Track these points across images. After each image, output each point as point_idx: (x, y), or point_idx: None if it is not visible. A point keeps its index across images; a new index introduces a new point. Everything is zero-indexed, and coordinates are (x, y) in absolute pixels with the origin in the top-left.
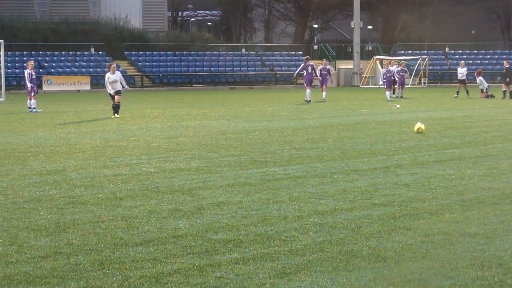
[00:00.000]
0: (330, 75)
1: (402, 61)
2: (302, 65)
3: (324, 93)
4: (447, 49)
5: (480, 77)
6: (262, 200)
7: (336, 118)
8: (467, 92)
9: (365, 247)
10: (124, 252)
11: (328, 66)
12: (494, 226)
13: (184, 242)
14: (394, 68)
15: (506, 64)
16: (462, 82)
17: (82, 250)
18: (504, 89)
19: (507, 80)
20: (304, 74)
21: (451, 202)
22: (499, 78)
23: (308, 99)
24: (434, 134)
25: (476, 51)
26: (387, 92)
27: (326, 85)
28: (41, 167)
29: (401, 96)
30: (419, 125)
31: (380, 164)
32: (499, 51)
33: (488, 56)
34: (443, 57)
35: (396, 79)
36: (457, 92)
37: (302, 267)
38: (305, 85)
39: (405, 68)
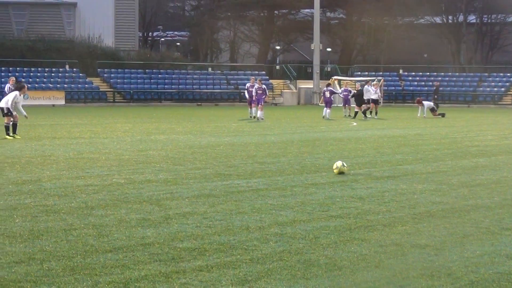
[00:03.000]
0: (266, 95)
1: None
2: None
3: (260, 112)
4: (401, 71)
5: (424, 102)
6: (226, 211)
7: (297, 135)
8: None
9: (322, 257)
10: (94, 258)
11: (263, 86)
12: (443, 238)
13: (151, 250)
14: (367, 87)
15: (358, 86)
16: (374, 102)
17: (54, 256)
18: (356, 110)
19: (360, 101)
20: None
21: (403, 215)
22: (350, 97)
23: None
24: (388, 150)
25: (428, 73)
26: (327, 110)
27: (262, 104)
28: (17, 177)
29: (349, 115)
30: (338, 165)
31: (337, 178)
32: (450, 73)
33: (440, 78)
34: (397, 78)
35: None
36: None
37: (263, 275)
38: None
39: (348, 88)
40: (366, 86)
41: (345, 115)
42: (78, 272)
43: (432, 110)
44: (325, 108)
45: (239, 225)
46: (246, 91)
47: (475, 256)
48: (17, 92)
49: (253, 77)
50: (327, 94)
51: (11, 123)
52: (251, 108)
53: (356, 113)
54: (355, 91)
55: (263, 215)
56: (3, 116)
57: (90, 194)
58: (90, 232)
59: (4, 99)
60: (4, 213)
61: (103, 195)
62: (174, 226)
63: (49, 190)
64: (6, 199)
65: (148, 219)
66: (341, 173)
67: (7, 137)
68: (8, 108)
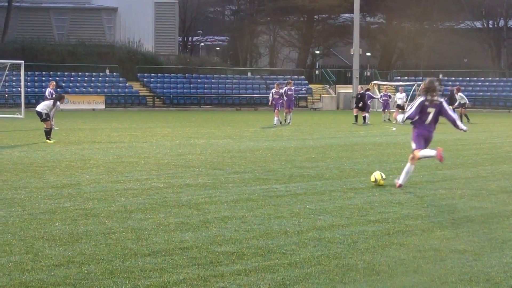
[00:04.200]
0: (283, 100)
1: (385, 86)
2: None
3: (276, 119)
4: (441, 76)
5: (460, 93)
6: (264, 215)
7: (335, 139)
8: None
9: (361, 261)
10: (133, 262)
11: (281, 90)
12: (482, 243)
13: (190, 254)
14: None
15: (360, 90)
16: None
17: (93, 259)
18: (355, 114)
19: (360, 105)
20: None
21: (442, 220)
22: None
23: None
24: None
25: (468, 78)
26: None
27: (278, 109)
28: (57, 180)
29: (388, 119)
30: (377, 177)
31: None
32: (490, 78)
33: (480, 83)
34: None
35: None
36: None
37: (301, 279)
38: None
39: (388, 93)
40: (397, 93)
41: (384, 120)
42: (117, 276)
43: (464, 105)
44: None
45: (277, 229)
46: (284, 94)
47: None
48: (58, 103)
49: (289, 81)
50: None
51: (50, 128)
52: (286, 113)
53: (356, 117)
54: (359, 95)
55: (301, 219)
56: (41, 121)
57: (129, 198)
58: (129, 235)
59: (43, 104)
60: (44, 217)
61: (142, 199)
62: (212, 230)
63: (89, 194)
64: (46, 203)
65: (186, 223)
66: (379, 185)
67: (48, 141)
68: (47, 114)
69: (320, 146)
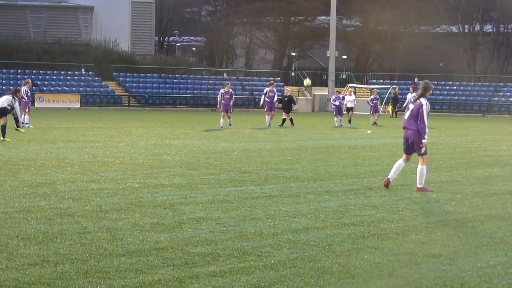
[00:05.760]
0: (267, 100)
1: (375, 89)
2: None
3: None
4: (416, 79)
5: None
6: (239, 217)
7: (311, 142)
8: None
9: (336, 264)
10: (108, 262)
11: (231, 90)
12: (457, 247)
13: (165, 254)
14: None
15: (286, 93)
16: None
17: (68, 259)
18: (284, 117)
19: (287, 108)
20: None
21: (417, 224)
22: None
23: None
24: None
25: (443, 82)
26: (335, 118)
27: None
28: (32, 179)
29: (375, 123)
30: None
31: (351, 186)
32: (465, 82)
33: (455, 87)
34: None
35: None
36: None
37: (276, 282)
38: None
39: (377, 96)
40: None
41: (374, 123)
42: (92, 276)
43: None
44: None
45: (253, 231)
46: (265, 96)
47: (488, 266)
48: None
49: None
50: (337, 103)
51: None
52: (267, 115)
53: (284, 120)
54: (285, 97)
55: (277, 221)
56: (1, 117)
57: (105, 198)
58: (104, 235)
59: (4, 100)
60: (19, 215)
61: (117, 199)
62: (187, 231)
63: (64, 193)
64: (21, 202)
65: (162, 224)
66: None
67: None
68: (10, 106)
69: (295, 148)
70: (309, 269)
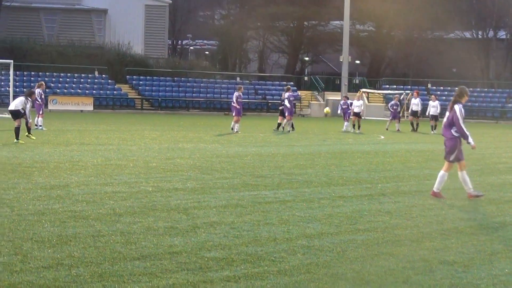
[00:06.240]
0: (288, 105)
1: (396, 95)
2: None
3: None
4: (429, 85)
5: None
6: (253, 222)
7: (324, 147)
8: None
9: (350, 270)
10: (122, 265)
11: (285, 95)
12: (471, 255)
13: (179, 259)
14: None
15: (283, 96)
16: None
17: (82, 262)
18: (279, 122)
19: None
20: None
21: (431, 231)
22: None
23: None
24: (415, 165)
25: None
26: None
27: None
28: (46, 182)
29: (398, 130)
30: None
31: (364, 192)
32: (478, 89)
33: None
34: (425, 92)
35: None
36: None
37: (290, 287)
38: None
39: (398, 102)
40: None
41: (387, 129)
42: (106, 279)
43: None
44: (346, 123)
45: (267, 236)
46: (287, 101)
47: (503, 274)
48: (29, 98)
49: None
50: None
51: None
52: (287, 120)
53: (279, 124)
54: (282, 101)
55: (291, 226)
56: (15, 119)
57: (118, 201)
58: (118, 239)
59: (18, 102)
60: (33, 218)
61: (131, 202)
62: (201, 235)
63: (78, 196)
64: (34, 204)
65: (175, 228)
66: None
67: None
68: (23, 110)
69: (308, 153)
70: (323, 275)
